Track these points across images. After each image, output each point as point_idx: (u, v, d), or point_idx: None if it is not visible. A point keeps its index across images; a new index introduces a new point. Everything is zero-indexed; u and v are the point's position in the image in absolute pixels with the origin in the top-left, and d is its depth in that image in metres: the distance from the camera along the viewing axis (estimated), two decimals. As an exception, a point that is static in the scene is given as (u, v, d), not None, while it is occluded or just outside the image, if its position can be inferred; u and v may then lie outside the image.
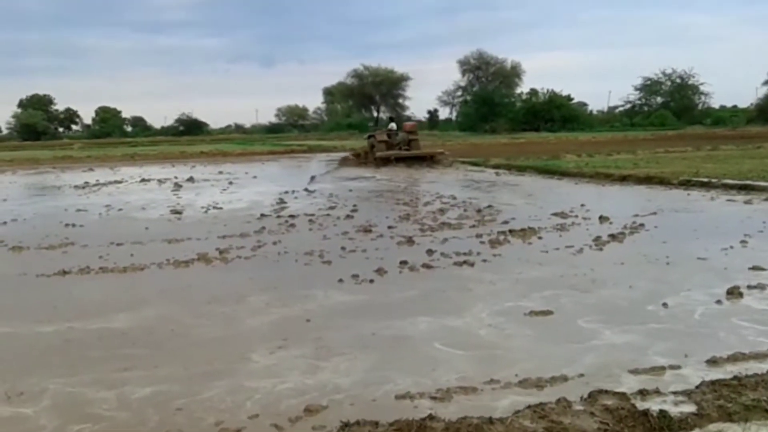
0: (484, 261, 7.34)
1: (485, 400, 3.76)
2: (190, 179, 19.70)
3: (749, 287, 5.83)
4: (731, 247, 7.59)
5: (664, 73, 62.52)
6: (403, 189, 16.25)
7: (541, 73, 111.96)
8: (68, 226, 10.69)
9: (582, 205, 11.11)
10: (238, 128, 76.66)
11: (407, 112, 68.28)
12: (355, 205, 12.51)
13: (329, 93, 73.34)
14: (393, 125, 25.62)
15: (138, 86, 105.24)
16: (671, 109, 60.26)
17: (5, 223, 11.46)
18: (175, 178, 20.25)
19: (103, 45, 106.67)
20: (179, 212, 12.29)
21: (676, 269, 6.77)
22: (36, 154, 35.80)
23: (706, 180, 13.85)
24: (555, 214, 10.31)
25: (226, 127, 78.23)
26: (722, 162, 18.40)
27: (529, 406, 3.48)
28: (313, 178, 19.30)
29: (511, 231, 8.93)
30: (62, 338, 5.12)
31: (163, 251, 8.29)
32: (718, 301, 5.52)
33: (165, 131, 69.08)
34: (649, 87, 63.33)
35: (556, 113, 56.46)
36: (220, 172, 22.45)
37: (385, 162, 22.68)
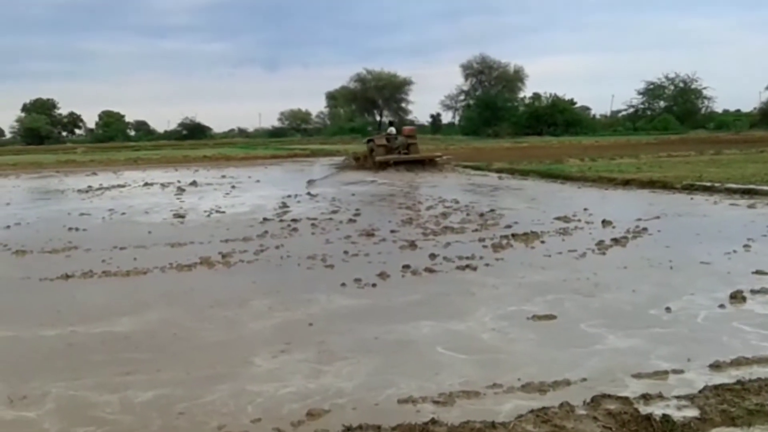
0: (487, 265, 7.34)
1: (488, 404, 3.75)
2: (193, 183, 19.73)
3: (752, 291, 5.81)
4: (734, 251, 7.58)
5: (667, 78, 62.46)
6: (406, 193, 16.26)
7: (544, 78, 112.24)
8: (71, 230, 10.71)
9: (585, 210, 11.10)
10: (242, 132, 76.83)
11: (410, 116, 68.31)
12: (357, 209, 12.52)
13: (332, 97, 73.46)
14: (392, 129, 25.76)
15: (141, 90, 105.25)
16: (674, 113, 60.18)
17: (9, 227, 11.49)
18: (178, 182, 20.27)
19: (107, 49, 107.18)
20: (182, 216, 12.32)
21: (679, 273, 6.76)
22: (39, 158, 35.88)
23: (709, 184, 13.82)
24: (558, 219, 10.30)
25: (230, 131, 78.43)
26: (725, 166, 18.37)
27: (531, 411, 3.47)
28: (309, 182, 19.18)
29: (513, 235, 8.92)
30: (65, 342, 5.12)
31: (166, 255, 8.30)
32: (722, 306, 5.51)
33: (168, 135, 69.23)
34: (652, 91, 63.25)
35: (559, 117, 56.42)
36: (223, 176, 22.49)
37: (385, 166, 22.80)
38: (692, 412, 3.44)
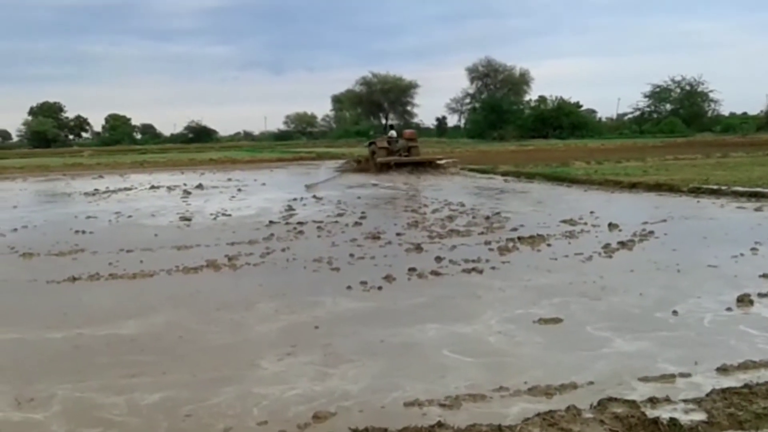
0: (493, 268, 7.32)
1: (494, 407, 3.75)
2: (199, 186, 19.79)
3: (760, 295, 5.78)
4: (741, 254, 7.54)
5: (673, 80, 62.45)
6: (411, 196, 16.26)
7: (550, 81, 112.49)
8: (78, 233, 10.75)
9: (591, 213, 11.07)
10: (247, 135, 77.17)
11: (415, 120, 68.56)
12: (363, 212, 12.53)
13: (338, 100, 73.75)
14: (393, 132, 26.03)
15: (147, 94, 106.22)
16: (680, 116, 60.10)
17: (16, 229, 11.54)
18: (184, 185, 20.33)
19: (113, 53, 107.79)
20: (188, 219, 12.35)
21: (686, 277, 6.73)
22: (46, 162, 36.12)
23: (715, 187, 13.76)
24: (564, 222, 10.28)
25: (235, 134, 78.84)
26: (732, 169, 18.31)
27: (538, 414, 3.46)
28: (308, 186, 18.94)
29: (519, 238, 8.90)
30: (71, 344, 5.14)
31: (172, 258, 8.33)
32: (729, 309, 5.48)
33: (174, 138, 69.59)
34: (658, 94, 63.21)
35: (564, 120, 56.42)
36: (229, 179, 22.55)
37: (386, 168, 22.89)
38: (700, 416, 3.43)
